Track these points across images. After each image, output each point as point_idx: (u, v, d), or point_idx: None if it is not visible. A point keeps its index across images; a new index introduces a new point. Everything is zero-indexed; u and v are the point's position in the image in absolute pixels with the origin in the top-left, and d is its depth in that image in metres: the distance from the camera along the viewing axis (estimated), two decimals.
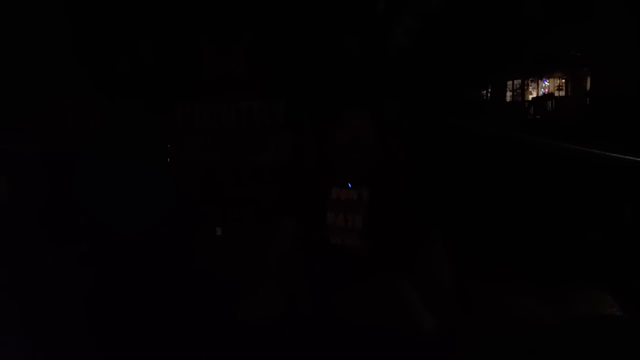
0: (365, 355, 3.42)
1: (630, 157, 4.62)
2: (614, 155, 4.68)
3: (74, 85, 5.69)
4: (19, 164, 5.47)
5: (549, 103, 6.17)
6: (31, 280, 4.84)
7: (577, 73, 6.07)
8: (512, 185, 5.24)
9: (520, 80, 6.03)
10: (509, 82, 6.03)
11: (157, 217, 5.43)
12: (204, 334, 4.22)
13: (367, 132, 3.49)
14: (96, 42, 5.65)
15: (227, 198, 5.56)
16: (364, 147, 3.46)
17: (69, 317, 4.48)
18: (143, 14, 5.67)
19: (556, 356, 3.94)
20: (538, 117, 6.13)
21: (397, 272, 3.60)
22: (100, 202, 5.54)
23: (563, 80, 6.15)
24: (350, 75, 5.50)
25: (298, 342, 3.68)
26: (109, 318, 4.48)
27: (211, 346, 4.11)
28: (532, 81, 6.05)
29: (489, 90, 6.01)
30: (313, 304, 3.93)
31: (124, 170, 5.50)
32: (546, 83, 6.06)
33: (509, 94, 6.05)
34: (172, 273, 5.04)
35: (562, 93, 6.21)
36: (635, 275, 4.63)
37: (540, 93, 6.07)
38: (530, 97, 6.11)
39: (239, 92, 5.53)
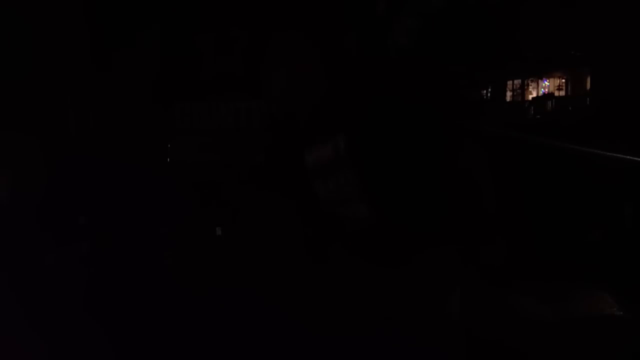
0: None
1: (631, 157, 4.61)
2: (614, 155, 4.67)
3: (74, 86, 5.69)
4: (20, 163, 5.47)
5: (549, 103, 6.15)
6: (30, 280, 4.83)
7: (577, 73, 6.06)
8: (513, 185, 5.24)
9: (520, 80, 6.03)
10: (509, 82, 6.02)
11: (156, 217, 5.42)
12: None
13: None
14: (95, 42, 5.64)
15: (225, 197, 5.56)
16: None
17: (67, 316, 4.48)
18: (143, 14, 5.66)
19: (557, 355, 3.94)
20: (538, 117, 6.12)
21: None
22: (99, 202, 5.53)
23: (563, 80, 6.13)
24: (350, 74, 5.48)
25: None
26: (108, 317, 4.49)
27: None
28: (532, 81, 6.04)
29: (489, 90, 6.01)
30: None
31: (123, 171, 5.49)
32: (546, 83, 6.04)
33: (508, 93, 6.05)
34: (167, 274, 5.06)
35: (562, 93, 6.20)
36: (636, 275, 4.62)
37: (540, 93, 6.06)
38: (530, 97, 6.10)
39: (237, 93, 5.52)
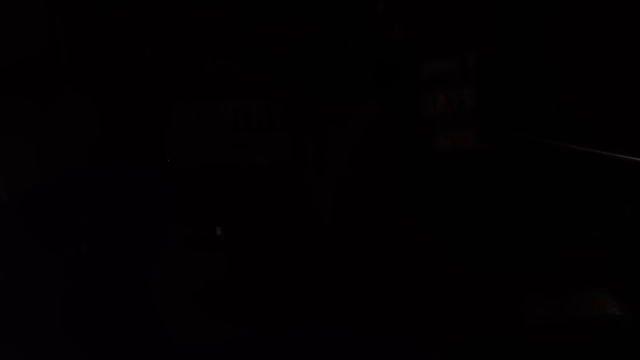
0: None
1: (631, 157, 4.61)
2: (615, 155, 4.67)
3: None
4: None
5: None
6: (30, 280, 4.84)
7: None
8: (513, 185, 5.24)
9: None
10: None
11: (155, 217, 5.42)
12: None
13: None
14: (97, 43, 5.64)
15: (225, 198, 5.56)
16: None
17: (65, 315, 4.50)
18: (144, 15, 5.65)
19: (558, 355, 3.95)
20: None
21: None
22: (99, 204, 5.53)
23: None
24: (351, 74, 5.49)
25: None
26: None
27: None
28: None
29: None
30: None
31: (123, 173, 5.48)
32: None
33: None
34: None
35: None
36: (636, 275, 4.62)
37: None
38: None
39: (236, 92, 5.52)
